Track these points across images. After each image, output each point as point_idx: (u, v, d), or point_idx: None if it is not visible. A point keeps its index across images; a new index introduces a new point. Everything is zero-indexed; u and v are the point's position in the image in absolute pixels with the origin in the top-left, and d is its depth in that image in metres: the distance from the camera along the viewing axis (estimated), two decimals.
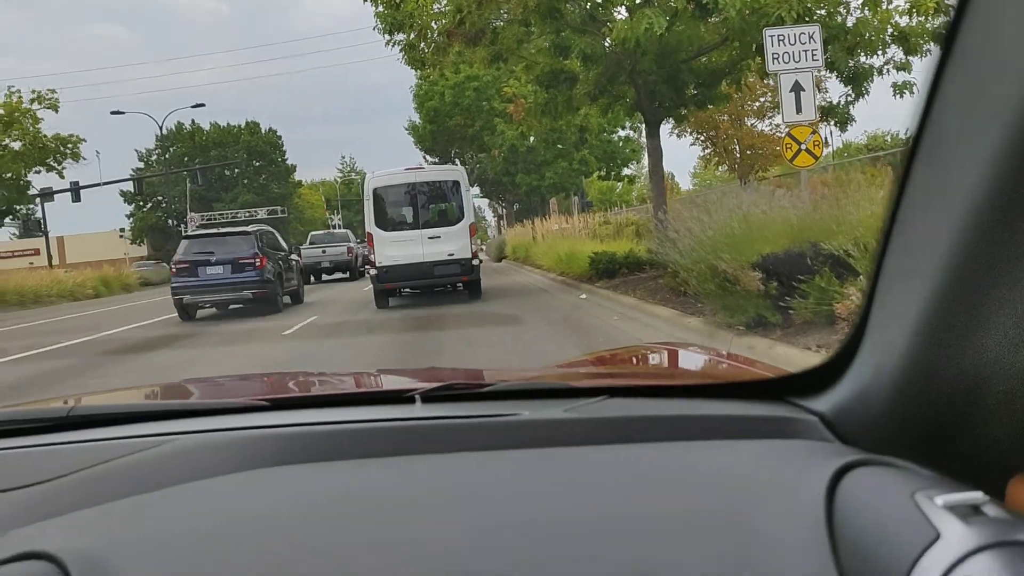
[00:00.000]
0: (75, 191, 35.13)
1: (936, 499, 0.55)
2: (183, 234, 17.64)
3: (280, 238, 16.36)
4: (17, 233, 54.01)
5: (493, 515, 0.68)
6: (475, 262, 12.47)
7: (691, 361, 1.72)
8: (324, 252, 24.59)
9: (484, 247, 36.63)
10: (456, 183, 12.83)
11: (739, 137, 24.92)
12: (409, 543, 0.63)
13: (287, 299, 14.80)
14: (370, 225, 12.45)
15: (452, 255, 12.31)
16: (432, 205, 12.84)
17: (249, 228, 14.94)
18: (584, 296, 11.72)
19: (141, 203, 60.89)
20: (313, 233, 27.79)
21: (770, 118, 24.50)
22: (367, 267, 14.05)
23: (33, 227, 42.43)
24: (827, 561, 0.57)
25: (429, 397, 1.01)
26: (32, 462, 0.90)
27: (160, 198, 60.25)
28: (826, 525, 0.59)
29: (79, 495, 0.80)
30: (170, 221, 57.16)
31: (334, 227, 59.99)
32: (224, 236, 14.18)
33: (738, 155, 24.97)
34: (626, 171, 28.40)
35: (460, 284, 12.76)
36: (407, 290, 13.18)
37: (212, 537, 0.67)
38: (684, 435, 0.85)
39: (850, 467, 0.65)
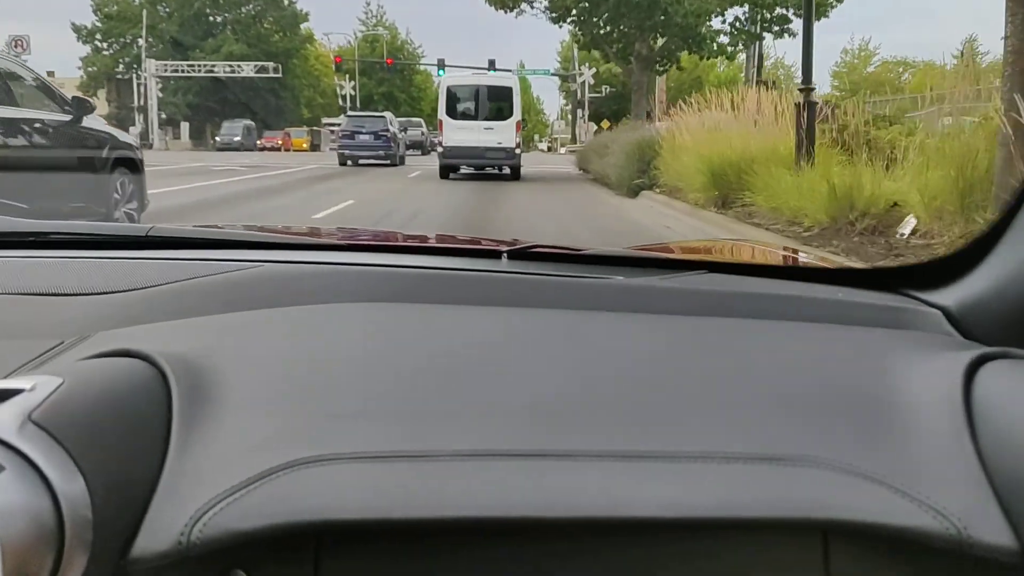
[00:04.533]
0: None
1: None
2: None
3: (397, 122, 26.48)
4: None
5: (579, 371, 0.65)
6: (517, 151, 16.42)
7: (794, 257, 1.62)
8: (407, 133, 30.53)
9: (565, 150, 29.04)
10: (510, 88, 16.90)
11: None
12: (488, 387, 0.62)
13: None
14: (442, 113, 16.59)
15: (500, 143, 16.15)
16: (490, 103, 16.74)
17: (384, 113, 25.72)
18: None
19: (100, 44, 46.33)
20: (399, 120, 31.92)
21: None
22: (436, 146, 17.81)
23: None
24: (969, 452, 0.54)
25: (516, 254, 0.98)
26: (111, 271, 0.86)
27: (127, 39, 45.60)
28: (965, 415, 0.57)
29: (166, 307, 0.78)
30: (131, 71, 42.57)
31: (344, 96, 45.91)
32: (369, 117, 24.15)
33: None
34: None
35: (507, 168, 16.66)
36: (464, 169, 16.99)
37: (306, 358, 0.66)
38: (791, 315, 0.79)
39: (988, 358, 0.61)
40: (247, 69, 39.97)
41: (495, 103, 16.64)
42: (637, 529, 0.53)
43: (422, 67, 59.11)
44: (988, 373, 0.60)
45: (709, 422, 0.57)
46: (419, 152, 32.81)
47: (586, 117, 36.54)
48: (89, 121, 6.32)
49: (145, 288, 0.82)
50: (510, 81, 17.55)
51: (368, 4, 68.01)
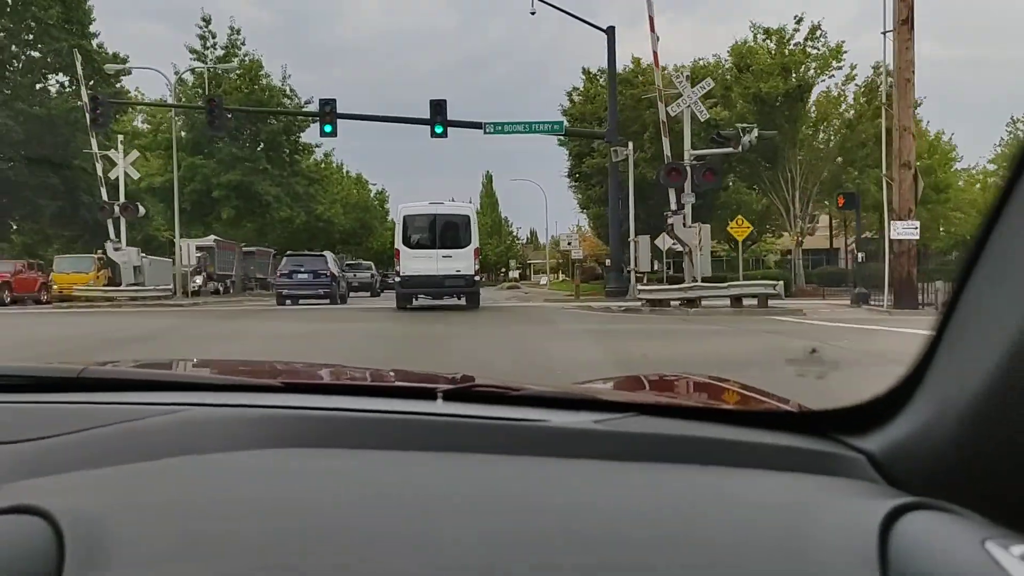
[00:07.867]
0: None
1: (1012, 548, 0.54)
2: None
3: (336, 260, 28.71)
4: None
5: (510, 523, 0.66)
6: (476, 278, 18.52)
7: (724, 391, 1.66)
8: (355, 275, 34.24)
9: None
10: (467, 216, 19.15)
11: None
12: (416, 540, 0.62)
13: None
14: (399, 243, 18.63)
15: (459, 271, 18.07)
16: (447, 232, 18.55)
17: (324, 253, 27.45)
18: None
19: None
20: (348, 263, 35.60)
21: None
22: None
23: None
24: None
25: (451, 395, 1.00)
26: (35, 418, 0.89)
27: None
28: (879, 568, 0.57)
29: (81, 456, 0.80)
30: None
31: (115, 180, 28.61)
32: (309, 256, 26.36)
33: None
34: None
35: (463, 296, 18.68)
36: (422, 297, 18.80)
37: (216, 512, 0.66)
38: (718, 460, 0.83)
39: (906, 509, 0.62)
40: None
41: (452, 232, 18.46)
42: None
43: (302, 121, 37.29)
44: (906, 526, 0.59)
45: None
46: (368, 294, 33.98)
47: (688, 212, 18.56)
48: None
49: (64, 435, 0.83)
50: (467, 209, 20.01)
51: (206, 24, 37.32)
